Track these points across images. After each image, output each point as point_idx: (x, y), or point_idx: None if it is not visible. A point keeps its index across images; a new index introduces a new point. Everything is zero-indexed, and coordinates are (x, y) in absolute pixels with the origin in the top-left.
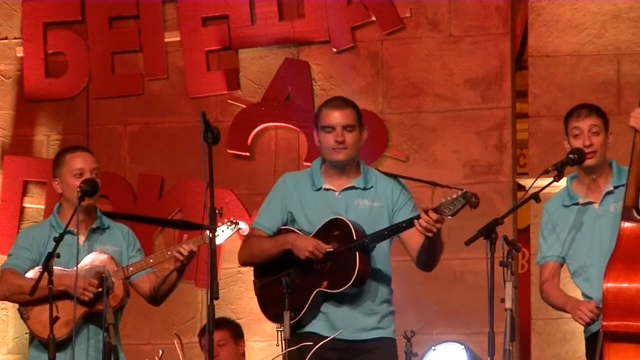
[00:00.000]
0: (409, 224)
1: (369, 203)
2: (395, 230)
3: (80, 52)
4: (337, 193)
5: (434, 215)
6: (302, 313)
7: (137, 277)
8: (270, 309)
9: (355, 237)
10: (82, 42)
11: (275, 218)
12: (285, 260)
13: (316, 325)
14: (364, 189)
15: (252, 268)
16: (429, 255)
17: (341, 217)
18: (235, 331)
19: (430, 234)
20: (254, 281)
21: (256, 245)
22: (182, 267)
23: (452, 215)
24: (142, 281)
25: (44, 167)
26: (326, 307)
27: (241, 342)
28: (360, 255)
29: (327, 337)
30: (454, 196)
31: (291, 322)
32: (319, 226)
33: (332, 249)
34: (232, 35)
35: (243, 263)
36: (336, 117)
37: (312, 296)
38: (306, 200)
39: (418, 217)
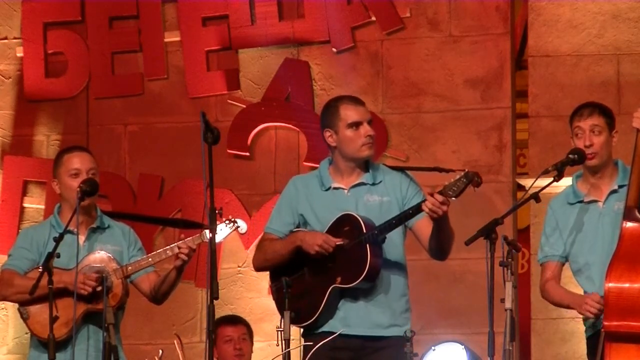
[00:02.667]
0: (416, 210)
1: (379, 198)
2: (403, 218)
3: (80, 52)
4: (346, 191)
5: (439, 197)
6: (319, 311)
7: (138, 276)
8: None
9: (364, 230)
10: (82, 42)
11: (286, 221)
12: (299, 262)
13: (333, 324)
14: (373, 184)
15: (252, 268)
16: (440, 242)
17: (350, 212)
18: (250, 331)
19: (436, 216)
20: (270, 285)
21: (269, 248)
22: (182, 266)
23: (456, 197)
24: (142, 281)
25: (44, 167)
26: (342, 305)
27: (252, 343)
28: (371, 247)
29: (344, 336)
30: (457, 177)
31: (308, 322)
32: (329, 224)
33: (342, 242)
34: (232, 35)
35: (258, 268)
36: (362, 112)
37: (327, 294)
38: (316, 201)
39: (424, 202)
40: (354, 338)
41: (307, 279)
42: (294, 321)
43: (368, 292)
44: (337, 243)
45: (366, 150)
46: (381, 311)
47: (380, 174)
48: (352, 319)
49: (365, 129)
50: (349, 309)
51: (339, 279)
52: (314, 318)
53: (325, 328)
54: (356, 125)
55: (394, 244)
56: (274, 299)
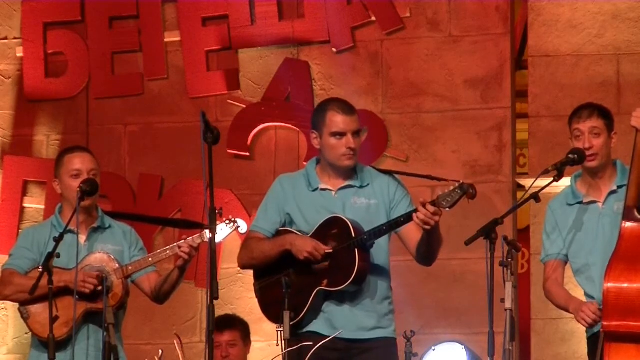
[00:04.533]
0: (407, 218)
1: (366, 201)
2: (394, 225)
3: (80, 52)
4: (333, 192)
5: (431, 208)
6: (303, 313)
7: (139, 276)
8: (271, 310)
9: (353, 235)
10: (82, 42)
11: (272, 220)
12: (285, 262)
13: (317, 325)
14: (360, 187)
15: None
16: (429, 249)
17: (339, 215)
18: (245, 332)
19: (428, 227)
20: (254, 284)
21: (255, 248)
22: (184, 266)
23: (450, 208)
24: (143, 281)
25: (44, 167)
26: (327, 307)
27: (249, 343)
28: (360, 252)
29: (327, 337)
30: (451, 188)
31: (292, 323)
32: (317, 225)
33: (331, 251)
34: (232, 35)
35: (243, 266)
36: (347, 123)
37: (312, 295)
38: (303, 201)
39: (416, 211)
40: (339, 340)
41: (292, 279)
42: (277, 321)
43: (353, 295)
44: (327, 251)
45: (345, 162)
46: (366, 314)
47: (368, 177)
48: (337, 321)
49: (348, 140)
50: (333, 311)
51: (325, 282)
52: (298, 319)
53: (309, 328)
54: (339, 135)
55: (380, 248)
56: (256, 297)
